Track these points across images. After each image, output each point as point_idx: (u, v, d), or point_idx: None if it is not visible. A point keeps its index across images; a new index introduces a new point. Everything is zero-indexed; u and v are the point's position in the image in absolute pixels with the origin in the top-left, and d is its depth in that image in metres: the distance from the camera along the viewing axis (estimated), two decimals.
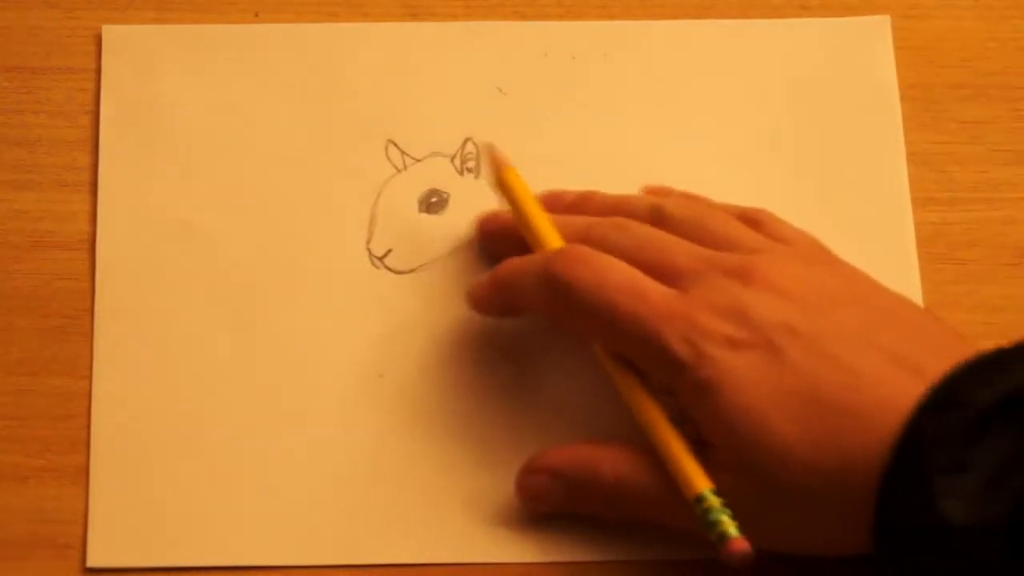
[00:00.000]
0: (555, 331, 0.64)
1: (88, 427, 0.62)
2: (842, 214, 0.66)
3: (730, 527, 0.55)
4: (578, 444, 0.60)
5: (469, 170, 0.67)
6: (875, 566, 0.54)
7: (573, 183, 0.65)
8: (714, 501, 0.55)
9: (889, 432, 0.53)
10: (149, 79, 0.67)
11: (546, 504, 0.61)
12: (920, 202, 0.66)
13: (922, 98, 0.68)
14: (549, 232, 0.61)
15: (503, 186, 0.63)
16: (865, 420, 0.54)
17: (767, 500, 0.55)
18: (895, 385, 0.54)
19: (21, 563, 0.61)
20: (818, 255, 0.60)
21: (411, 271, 0.65)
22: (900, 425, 0.52)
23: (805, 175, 0.66)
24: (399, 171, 0.67)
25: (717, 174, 0.66)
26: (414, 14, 0.69)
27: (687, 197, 0.63)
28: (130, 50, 0.68)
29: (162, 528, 0.61)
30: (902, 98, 0.68)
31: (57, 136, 0.67)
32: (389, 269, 0.65)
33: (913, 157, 0.67)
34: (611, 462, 0.59)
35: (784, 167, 0.67)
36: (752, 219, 0.61)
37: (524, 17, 0.69)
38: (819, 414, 0.54)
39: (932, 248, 0.66)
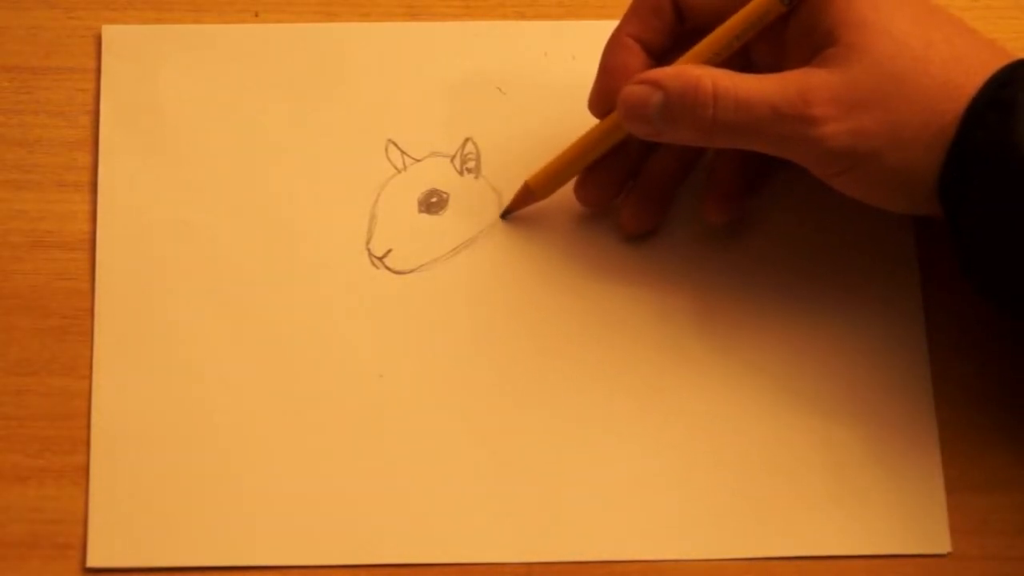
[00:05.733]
0: (556, 331, 0.64)
1: (88, 427, 0.62)
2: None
3: None
4: (683, 65, 0.61)
5: (469, 170, 0.67)
6: (942, 203, 0.58)
7: (572, 183, 0.65)
8: None
9: (992, 67, 0.58)
10: (149, 79, 0.67)
11: (643, 118, 0.61)
12: None
13: None
14: None
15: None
16: (975, 44, 0.59)
17: (874, 93, 0.58)
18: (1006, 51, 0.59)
19: (21, 563, 0.61)
20: None
21: (411, 271, 0.65)
22: (1001, 64, 0.58)
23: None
24: (399, 171, 0.67)
25: None
26: (414, 14, 0.69)
27: None
28: (130, 50, 0.68)
29: (162, 528, 0.61)
30: None
31: (57, 136, 0.67)
32: (389, 269, 0.65)
33: None
34: (711, 75, 0.60)
35: None
36: None
37: (524, 17, 0.69)
38: (936, 22, 0.59)
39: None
